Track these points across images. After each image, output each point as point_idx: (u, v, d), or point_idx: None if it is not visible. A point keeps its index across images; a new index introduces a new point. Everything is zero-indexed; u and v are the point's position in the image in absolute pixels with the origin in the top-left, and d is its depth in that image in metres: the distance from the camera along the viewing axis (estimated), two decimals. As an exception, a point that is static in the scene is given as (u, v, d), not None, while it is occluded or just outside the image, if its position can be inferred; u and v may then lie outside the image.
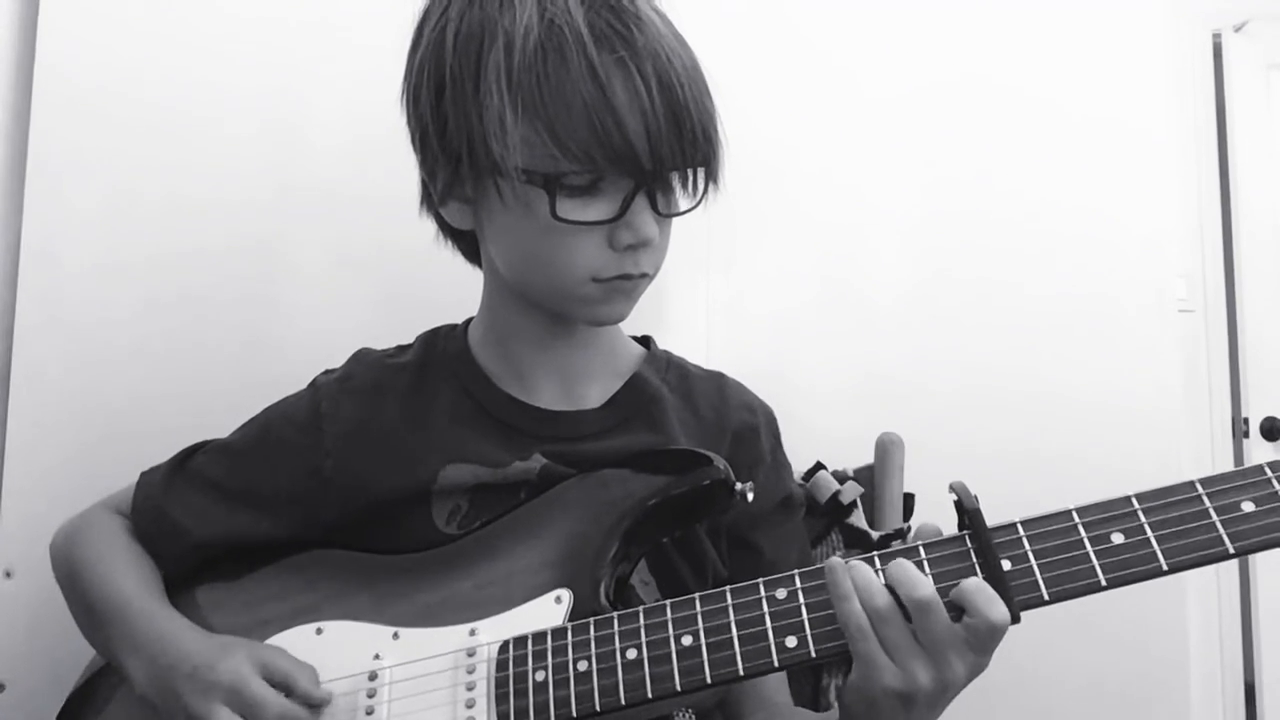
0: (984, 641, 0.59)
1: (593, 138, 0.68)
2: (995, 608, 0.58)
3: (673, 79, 0.70)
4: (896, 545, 0.65)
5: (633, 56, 0.69)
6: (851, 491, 1.01)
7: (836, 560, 0.62)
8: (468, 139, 0.71)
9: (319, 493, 0.80)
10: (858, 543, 0.99)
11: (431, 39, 0.74)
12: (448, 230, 0.84)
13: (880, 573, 0.61)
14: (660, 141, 0.69)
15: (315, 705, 0.67)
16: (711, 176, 0.76)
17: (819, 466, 1.04)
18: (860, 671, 0.61)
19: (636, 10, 0.71)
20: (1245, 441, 2.55)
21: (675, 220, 0.78)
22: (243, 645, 0.70)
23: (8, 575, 1.02)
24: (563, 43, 0.68)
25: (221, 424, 0.86)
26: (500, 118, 0.68)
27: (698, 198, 0.76)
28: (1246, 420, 2.53)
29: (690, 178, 0.75)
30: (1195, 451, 2.48)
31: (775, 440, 0.88)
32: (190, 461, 0.83)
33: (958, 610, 0.59)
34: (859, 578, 0.61)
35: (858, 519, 1.01)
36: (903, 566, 0.60)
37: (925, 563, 0.61)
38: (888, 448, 1.04)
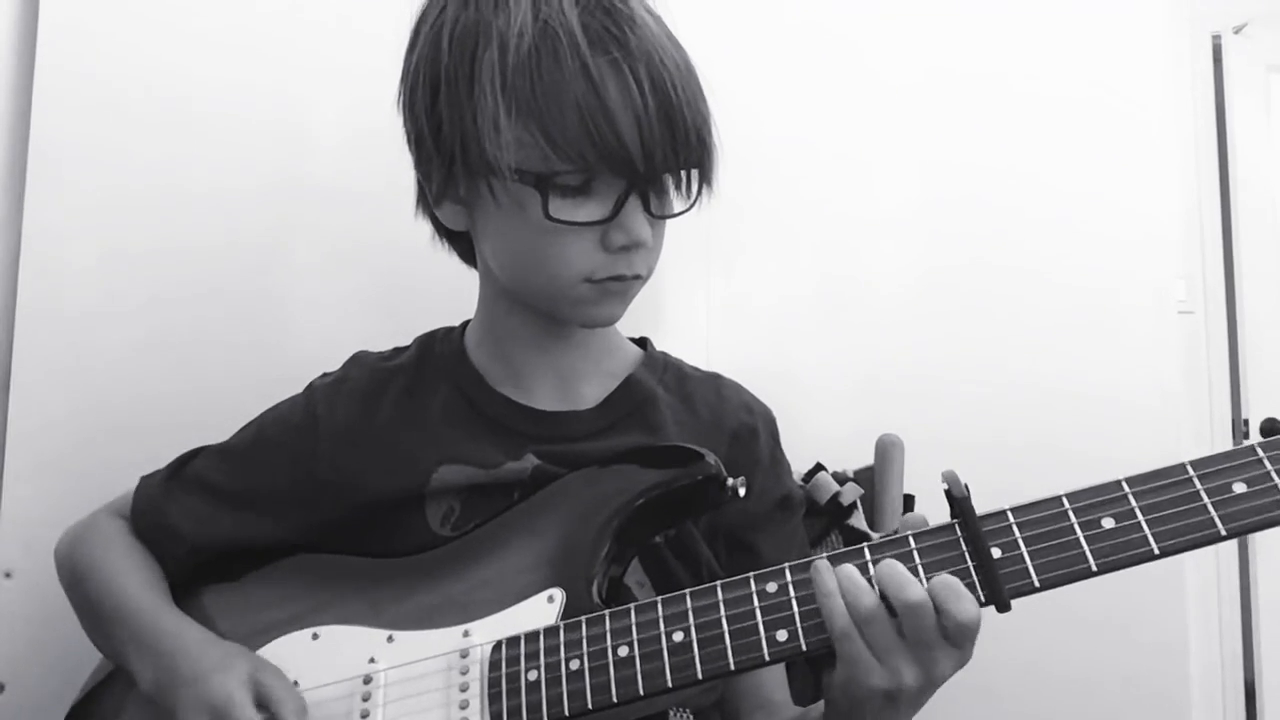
0: (960, 638, 0.58)
1: (585, 138, 0.68)
2: (963, 604, 0.57)
3: (666, 81, 0.70)
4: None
5: (626, 58, 0.69)
6: (851, 493, 1.01)
7: (822, 561, 0.62)
8: (461, 139, 0.71)
9: (315, 495, 0.80)
10: (857, 544, 0.99)
11: (427, 40, 0.75)
12: (443, 232, 0.84)
13: (869, 566, 0.61)
14: (653, 142, 0.69)
15: None
16: (705, 179, 0.76)
17: (819, 468, 1.04)
18: (846, 671, 0.60)
19: (630, 12, 0.71)
20: (1245, 442, 2.54)
21: (675, 220, 0.77)
22: (242, 659, 0.69)
23: (8, 575, 1.02)
24: (556, 44, 0.68)
25: (222, 421, 0.86)
26: (494, 118, 0.68)
27: (691, 200, 0.76)
28: (1246, 421, 2.53)
29: (684, 180, 0.75)
30: (1196, 453, 2.46)
31: (774, 441, 0.88)
32: (188, 466, 0.84)
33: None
34: (844, 577, 0.60)
35: (858, 520, 1.01)
36: (892, 566, 0.60)
37: (915, 552, 0.61)
38: (888, 449, 1.04)
